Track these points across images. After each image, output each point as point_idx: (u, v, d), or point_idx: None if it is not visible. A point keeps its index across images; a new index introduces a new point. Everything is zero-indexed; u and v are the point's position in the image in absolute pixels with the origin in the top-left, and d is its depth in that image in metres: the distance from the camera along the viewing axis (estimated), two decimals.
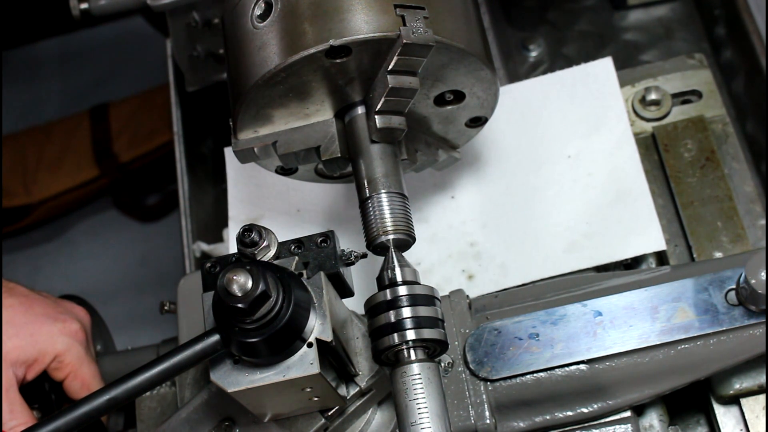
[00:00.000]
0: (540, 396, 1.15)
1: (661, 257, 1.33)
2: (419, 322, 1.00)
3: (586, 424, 1.16)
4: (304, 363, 0.98)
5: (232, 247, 1.41)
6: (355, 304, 1.13)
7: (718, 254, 1.29)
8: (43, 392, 1.36)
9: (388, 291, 1.01)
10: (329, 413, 1.10)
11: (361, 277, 1.20)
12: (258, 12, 1.06)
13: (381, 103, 1.06)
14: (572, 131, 1.40)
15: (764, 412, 1.18)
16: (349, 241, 1.36)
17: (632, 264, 1.32)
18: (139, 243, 2.78)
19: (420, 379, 0.98)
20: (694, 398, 1.24)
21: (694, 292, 1.14)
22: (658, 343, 1.12)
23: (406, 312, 1.00)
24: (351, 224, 1.38)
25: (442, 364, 1.17)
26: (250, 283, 0.92)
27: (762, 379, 1.17)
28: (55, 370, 1.31)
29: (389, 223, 1.06)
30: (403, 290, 1.01)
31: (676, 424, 1.22)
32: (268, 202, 1.46)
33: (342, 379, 1.08)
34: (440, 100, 1.16)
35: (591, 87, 1.42)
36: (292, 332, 0.96)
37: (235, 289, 0.92)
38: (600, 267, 1.30)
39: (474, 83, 1.13)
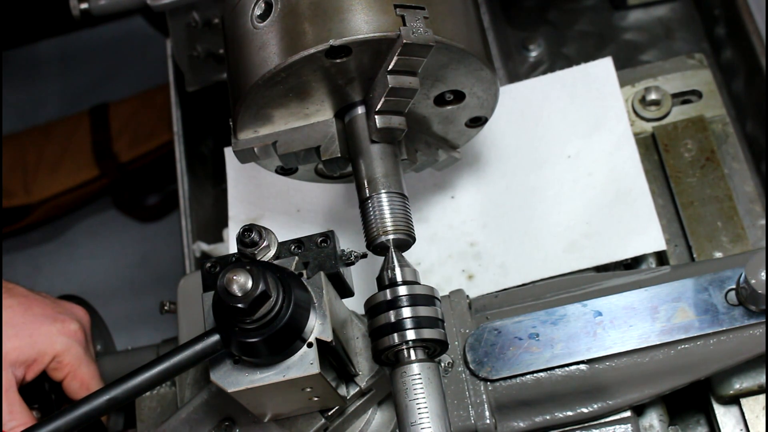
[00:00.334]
0: (540, 396, 1.15)
1: (661, 257, 1.33)
2: (419, 322, 1.00)
3: (586, 424, 1.16)
4: (304, 363, 0.98)
5: (232, 247, 1.41)
6: (355, 304, 1.13)
7: (718, 254, 1.29)
8: (42, 392, 1.36)
9: (388, 291, 1.01)
10: (329, 413, 1.10)
11: (361, 277, 1.20)
12: (258, 12, 1.06)
13: (381, 103, 1.06)
14: (572, 131, 1.40)
15: (764, 412, 1.18)
16: (349, 241, 1.36)
17: (632, 264, 1.32)
18: (139, 243, 2.78)
19: (420, 379, 0.98)
20: (694, 398, 1.24)
21: (694, 292, 1.14)
22: (658, 343, 1.12)
23: (406, 312, 1.00)
24: (351, 224, 1.38)
25: (442, 364, 1.17)
26: (250, 283, 0.92)
27: (762, 379, 1.17)
28: (54, 371, 1.31)
29: (389, 223, 1.06)
30: (403, 290, 1.01)
31: (676, 424, 1.22)
32: (268, 202, 1.46)
33: (342, 379, 1.08)
34: (440, 100, 1.16)
35: (591, 87, 1.42)
36: (292, 332, 0.96)
37: (235, 289, 0.92)
38: (600, 267, 1.30)
39: (474, 83, 1.13)
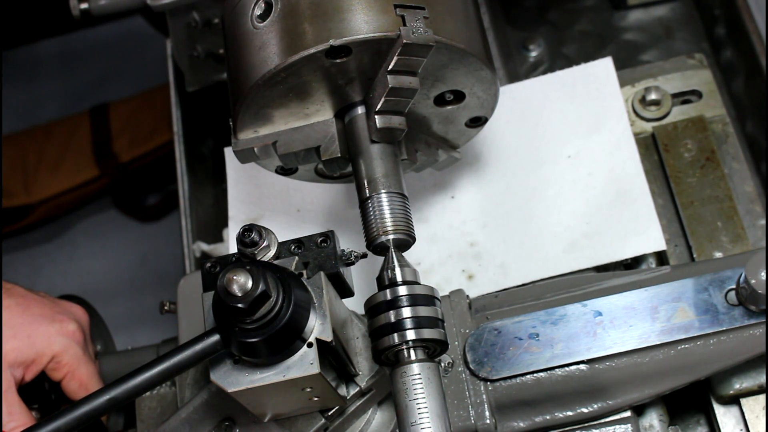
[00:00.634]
0: (540, 396, 1.15)
1: (661, 257, 1.33)
2: (419, 322, 1.00)
3: (586, 424, 1.16)
4: (304, 363, 0.98)
5: (232, 247, 1.41)
6: (355, 304, 1.13)
7: (718, 254, 1.29)
8: (42, 392, 1.36)
9: (388, 291, 1.01)
10: (329, 413, 1.10)
11: (361, 277, 1.20)
12: (258, 12, 1.06)
13: (381, 103, 1.06)
14: (572, 131, 1.40)
15: (764, 412, 1.18)
16: (349, 241, 1.36)
17: (632, 264, 1.32)
18: (139, 243, 2.78)
19: (420, 379, 0.98)
20: (694, 398, 1.24)
21: (694, 292, 1.14)
22: (658, 343, 1.12)
23: (406, 312, 1.00)
24: (351, 224, 1.38)
25: (442, 364, 1.17)
26: (250, 283, 0.92)
27: (762, 379, 1.17)
28: (52, 371, 1.31)
29: (389, 223, 1.06)
30: (403, 290, 1.01)
31: (676, 424, 1.22)
32: (268, 202, 1.46)
33: (342, 379, 1.08)
34: (440, 100, 1.16)
35: (591, 87, 1.42)
36: (292, 332, 0.96)
37: (235, 289, 0.92)
38: (600, 267, 1.30)
39: (474, 83, 1.13)
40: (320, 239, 1.07)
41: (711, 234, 1.30)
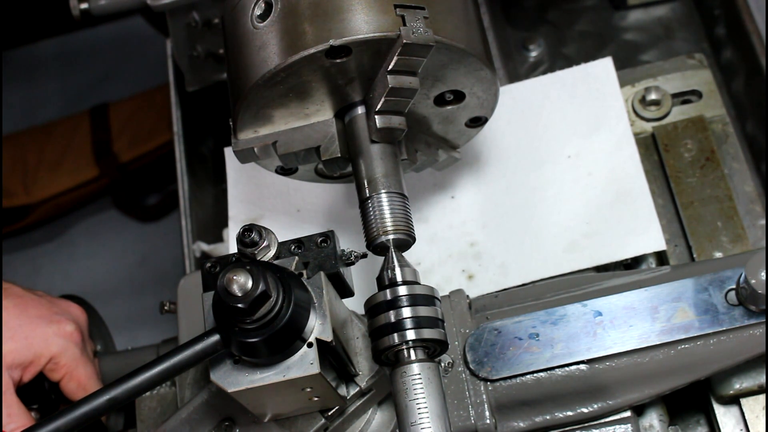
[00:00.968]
0: (540, 396, 1.15)
1: (661, 257, 1.33)
2: (419, 322, 1.00)
3: (586, 424, 1.16)
4: (304, 363, 0.98)
5: (232, 247, 1.41)
6: (355, 304, 1.13)
7: (718, 254, 1.29)
8: (42, 392, 1.36)
9: (388, 291, 1.01)
10: (329, 413, 1.10)
11: (361, 277, 1.20)
12: (258, 12, 1.06)
13: (381, 103, 1.06)
14: (572, 131, 1.40)
15: (764, 412, 1.18)
16: (349, 241, 1.36)
17: (632, 264, 1.32)
18: (139, 243, 2.78)
19: (420, 379, 0.98)
20: (694, 398, 1.24)
21: (694, 292, 1.14)
22: (658, 343, 1.12)
23: (406, 312, 1.00)
24: (351, 224, 1.38)
25: (442, 364, 1.17)
26: (250, 283, 0.92)
27: (762, 379, 1.17)
28: (50, 372, 1.31)
29: (389, 223, 1.06)
30: (403, 290, 1.01)
31: (676, 424, 1.22)
32: (268, 202, 1.46)
33: (342, 379, 1.08)
34: (440, 100, 1.16)
35: (591, 87, 1.42)
36: (292, 332, 0.96)
37: (235, 289, 0.92)
38: (600, 267, 1.30)
39: (474, 83, 1.13)
40: (320, 239, 1.07)
41: (711, 234, 1.30)
